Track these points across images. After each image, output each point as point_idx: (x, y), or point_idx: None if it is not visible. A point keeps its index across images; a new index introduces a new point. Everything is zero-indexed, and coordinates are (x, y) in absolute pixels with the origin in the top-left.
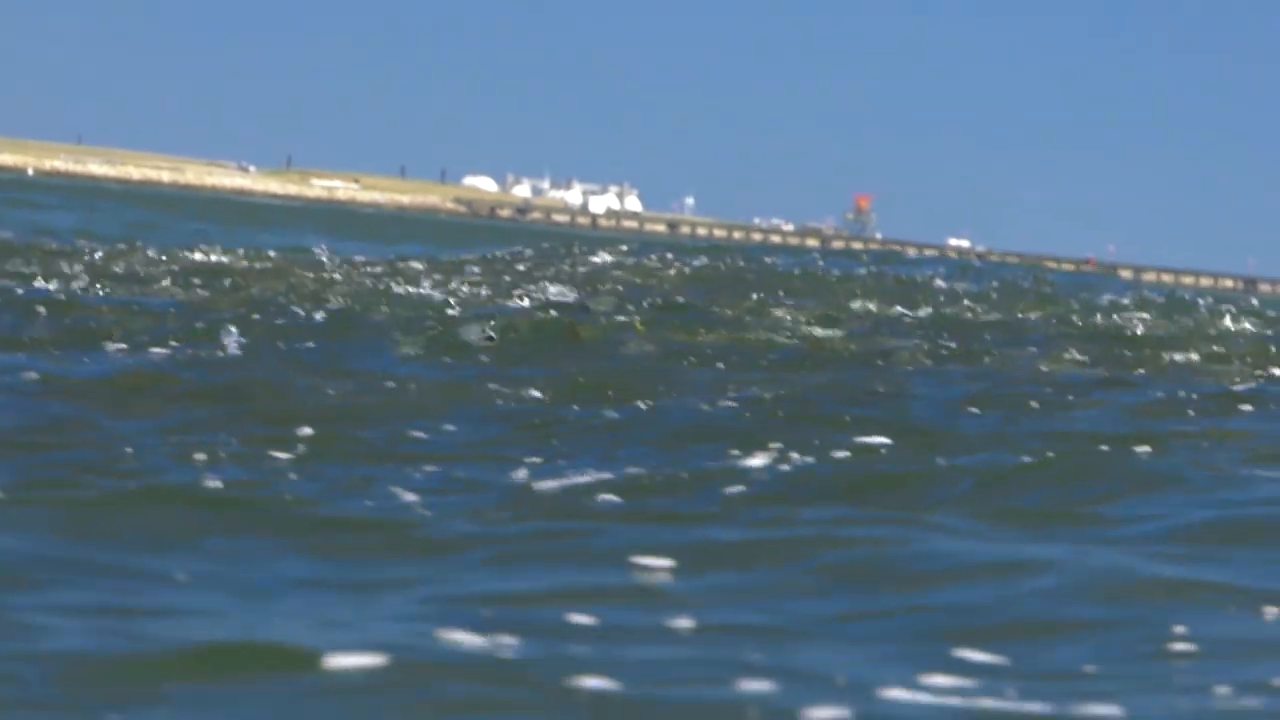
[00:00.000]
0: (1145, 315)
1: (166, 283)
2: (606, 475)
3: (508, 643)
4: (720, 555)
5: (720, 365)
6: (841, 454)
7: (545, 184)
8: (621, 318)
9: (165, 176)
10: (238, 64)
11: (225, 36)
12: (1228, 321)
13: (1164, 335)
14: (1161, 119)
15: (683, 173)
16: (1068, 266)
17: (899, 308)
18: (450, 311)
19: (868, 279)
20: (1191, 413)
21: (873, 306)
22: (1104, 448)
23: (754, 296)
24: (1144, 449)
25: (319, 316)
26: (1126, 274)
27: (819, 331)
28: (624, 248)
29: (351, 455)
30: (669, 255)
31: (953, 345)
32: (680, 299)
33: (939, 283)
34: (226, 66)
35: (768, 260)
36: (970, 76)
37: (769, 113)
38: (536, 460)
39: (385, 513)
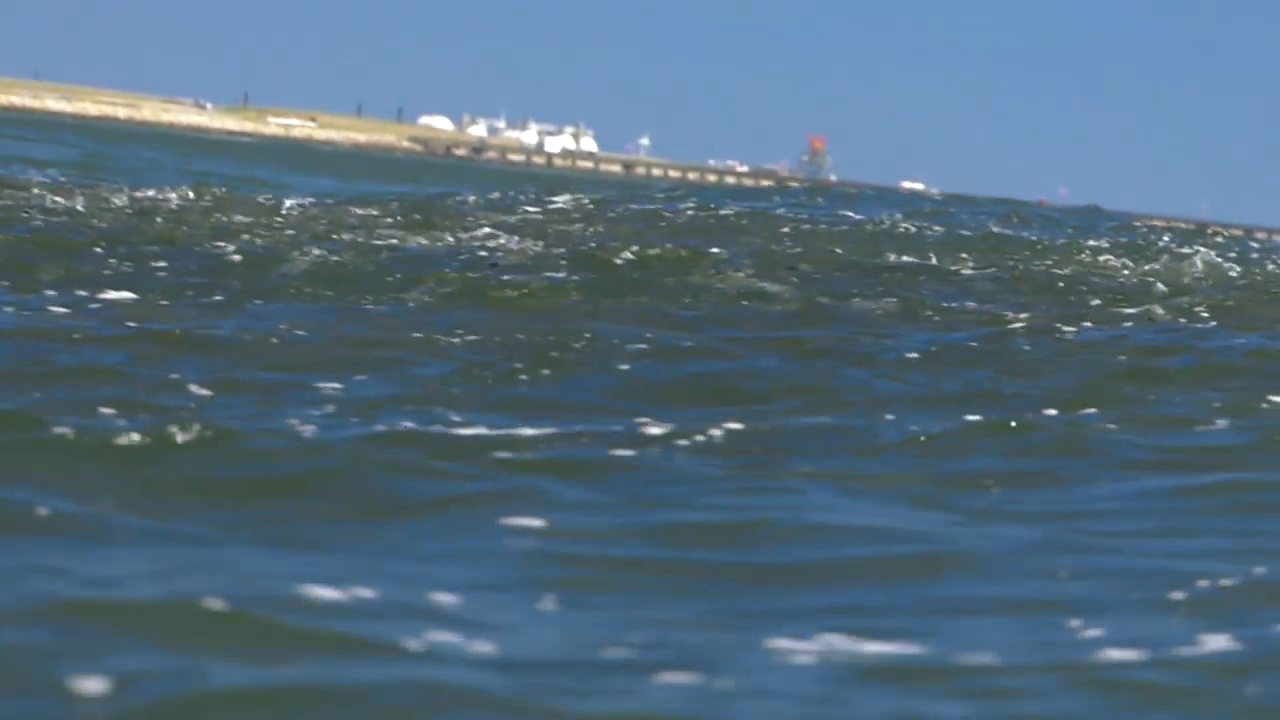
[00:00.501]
0: (1111, 259)
1: (96, 222)
2: (503, 436)
3: (371, 601)
4: (601, 528)
5: (648, 323)
6: (760, 421)
7: (501, 124)
8: (550, 274)
9: (121, 113)
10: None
11: None
12: (1197, 264)
13: (1126, 284)
14: (1114, 61)
15: (638, 114)
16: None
17: (852, 256)
18: (376, 258)
19: (822, 224)
20: (1138, 371)
21: (825, 255)
22: (1051, 411)
23: (698, 247)
24: (1089, 411)
25: (237, 259)
26: None
27: (763, 286)
28: (577, 197)
29: (245, 403)
30: (632, 205)
31: (898, 298)
32: (615, 246)
33: (904, 227)
34: (183, 2)
35: (723, 210)
36: (925, 19)
37: (725, 54)
38: (429, 417)
39: (268, 465)
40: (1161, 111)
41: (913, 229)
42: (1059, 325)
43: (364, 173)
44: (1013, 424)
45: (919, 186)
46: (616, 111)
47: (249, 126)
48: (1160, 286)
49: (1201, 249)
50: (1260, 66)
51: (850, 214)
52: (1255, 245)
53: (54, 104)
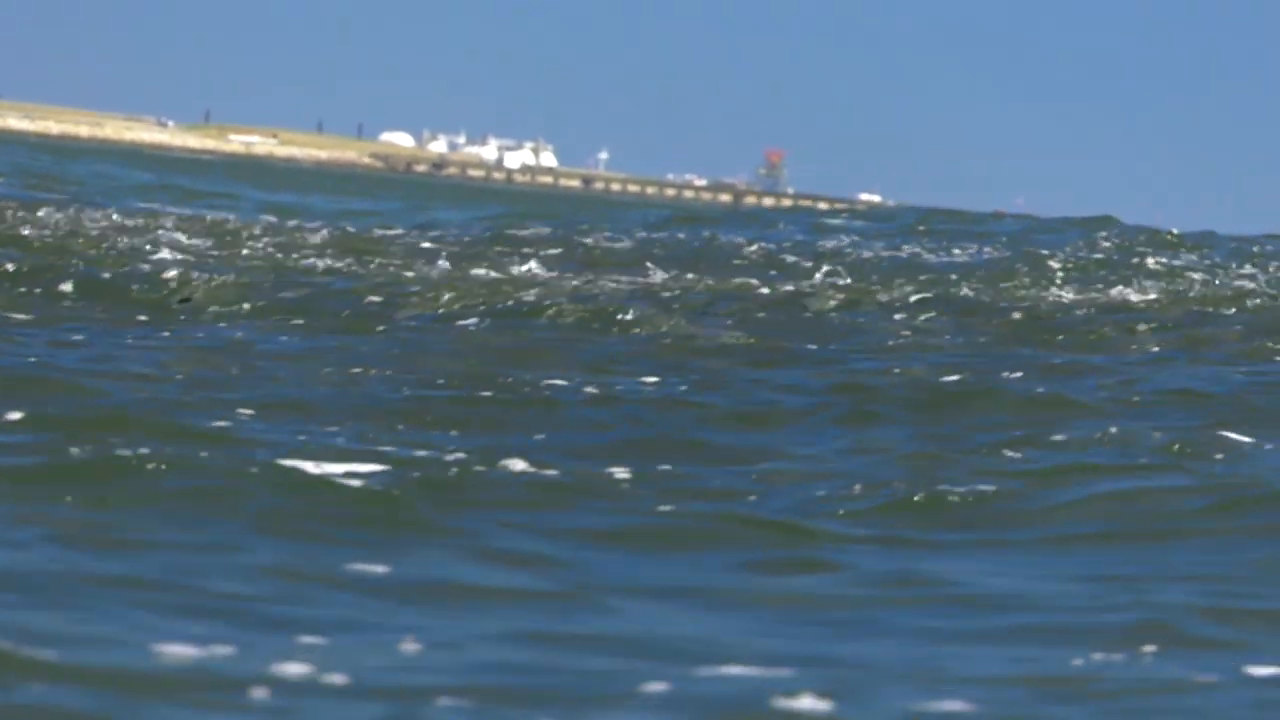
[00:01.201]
0: (1070, 287)
1: (24, 231)
2: (364, 488)
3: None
4: (454, 578)
5: (557, 369)
6: (648, 483)
7: (461, 140)
8: (461, 321)
9: (84, 131)
10: (156, 18)
11: None
12: (1158, 283)
13: (1078, 316)
14: (1069, 71)
15: (597, 129)
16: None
17: (791, 286)
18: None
19: (784, 256)
20: (1071, 410)
21: (765, 290)
22: (979, 455)
23: (629, 289)
24: (1009, 460)
25: (145, 282)
26: None
27: (688, 329)
28: (519, 229)
29: (121, 432)
30: (576, 238)
31: (830, 340)
32: (537, 290)
33: (861, 254)
34: (145, 20)
35: (679, 234)
36: (879, 32)
37: (682, 68)
38: (296, 458)
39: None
40: (1118, 122)
41: (867, 255)
42: (998, 370)
43: (321, 188)
44: (918, 497)
45: (876, 198)
46: (576, 127)
47: (210, 144)
48: (1115, 314)
49: (1163, 266)
50: (1223, 76)
51: (807, 240)
52: (1218, 259)
53: (16, 123)
